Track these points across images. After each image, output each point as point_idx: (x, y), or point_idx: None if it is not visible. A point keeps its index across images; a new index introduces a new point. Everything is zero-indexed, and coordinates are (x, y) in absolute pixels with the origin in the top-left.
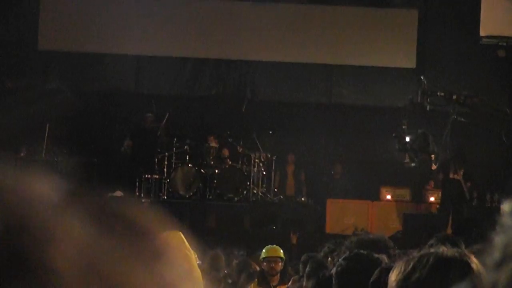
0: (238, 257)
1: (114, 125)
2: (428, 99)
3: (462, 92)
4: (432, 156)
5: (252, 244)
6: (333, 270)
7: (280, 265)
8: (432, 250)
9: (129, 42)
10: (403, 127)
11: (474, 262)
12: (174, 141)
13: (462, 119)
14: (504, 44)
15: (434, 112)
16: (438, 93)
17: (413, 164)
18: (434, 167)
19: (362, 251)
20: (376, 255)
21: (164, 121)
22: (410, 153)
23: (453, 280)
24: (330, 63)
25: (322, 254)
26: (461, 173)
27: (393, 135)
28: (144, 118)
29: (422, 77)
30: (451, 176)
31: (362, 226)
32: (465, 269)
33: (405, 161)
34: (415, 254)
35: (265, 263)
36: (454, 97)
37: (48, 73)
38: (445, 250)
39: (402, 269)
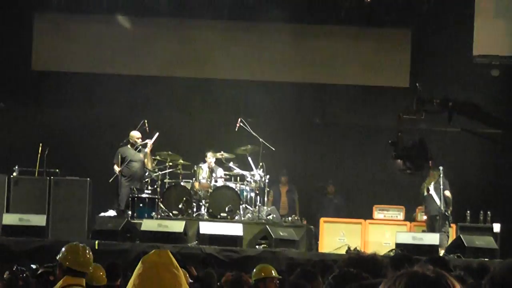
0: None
1: (107, 144)
2: (424, 106)
3: (458, 99)
4: (430, 162)
5: (244, 263)
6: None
7: (276, 285)
8: (410, 270)
9: (121, 63)
10: (399, 134)
11: (452, 281)
12: (167, 160)
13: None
14: (497, 63)
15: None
16: (434, 101)
17: (409, 171)
18: (431, 173)
19: (351, 269)
20: (365, 274)
21: (153, 140)
22: (407, 159)
23: None
24: (324, 82)
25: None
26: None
27: (389, 142)
28: (132, 138)
29: (417, 84)
30: (425, 193)
31: (355, 245)
32: None
33: (401, 168)
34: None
35: (262, 284)
36: (450, 104)
37: (41, 93)
38: (422, 270)
39: None
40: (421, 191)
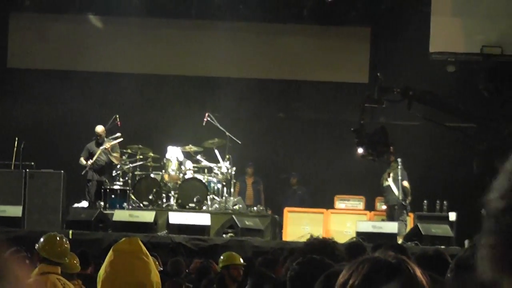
0: (199, 263)
1: (80, 139)
2: (385, 95)
3: (418, 88)
4: (391, 148)
5: (212, 251)
6: (287, 275)
7: (242, 272)
8: (371, 256)
9: (96, 60)
10: (361, 121)
11: (412, 267)
12: (138, 154)
13: (418, 114)
14: (453, 59)
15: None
16: (395, 89)
17: (370, 158)
18: (392, 158)
19: (315, 256)
20: (327, 260)
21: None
22: (368, 146)
23: (388, 286)
24: (288, 79)
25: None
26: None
27: (352, 129)
28: (96, 132)
29: (378, 74)
30: (385, 184)
31: (317, 233)
32: (401, 275)
33: (363, 154)
34: (358, 259)
35: (227, 271)
36: (410, 93)
37: (16, 90)
38: (383, 256)
39: (342, 276)
40: (381, 182)
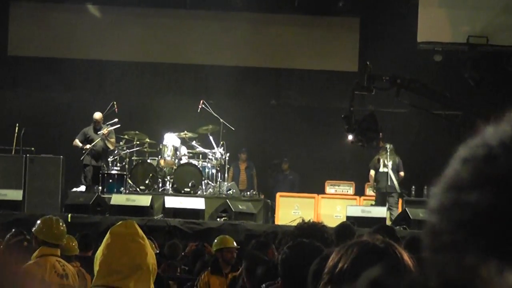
0: (194, 246)
1: (78, 125)
2: (374, 83)
3: (406, 76)
4: (380, 134)
5: (206, 234)
6: (279, 258)
7: (235, 254)
8: (360, 239)
9: (94, 48)
10: (351, 108)
11: (400, 251)
12: (135, 139)
13: (405, 101)
14: (440, 49)
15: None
16: (384, 78)
17: (360, 144)
18: (381, 144)
19: (304, 239)
20: (317, 243)
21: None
22: (358, 132)
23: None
24: (279, 67)
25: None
26: (389, 164)
27: (342, 116)
28: (93, 118)
29: (368, 63)
30: (380, 169)
31: (308, 217)
32: (390, 259)
33: (353, 141)
34: (347, 243)
35: (221, 253)
36: (398, 81)
37: (17, 77)
38: (372, 239)
39: (331, 259)
40: (371, 166)
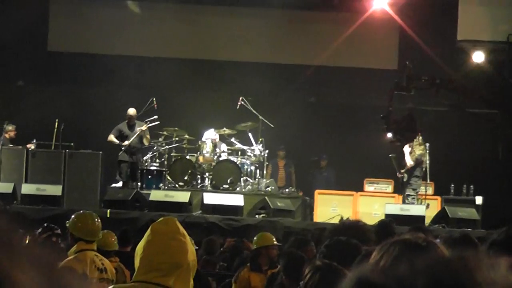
0: (232, 241)
1: (117, 120)
2: (413, 83)
3: (445, 76)
4: (419, 133)
5: (244, 231)
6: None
7: (276, 251)
8: (401, 237)
9: (133, 44)
10: (390, 108)
11: (441, 250)
12: (174, 136)
13: (444, 101)
14: (479, 47)
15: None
16: (423, 78)
17: (398, 144)
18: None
19: (341, 237)
20: (355, 241)
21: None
22: (397, 132)
23: None
24: (319, 65)
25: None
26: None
27: (381, 116)
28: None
29: (407, 63)
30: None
31: (347, 215)
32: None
33: (391, 140)
34: (389, 241)
35: (265, 250)
36: (437, 81)
37: (56, 73)
38: (413, 238)
39: (373, 256)
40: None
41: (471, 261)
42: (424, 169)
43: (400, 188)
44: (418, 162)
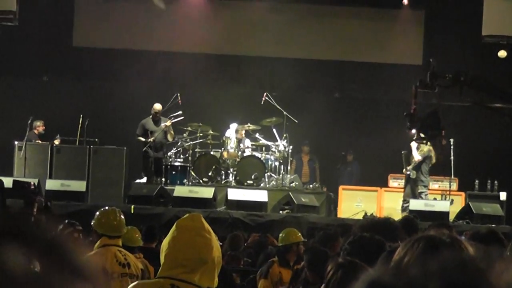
0: (257, 237)
1: (142, 116)
2: (437, 80)
3: (469, 72)
4: (443, 131)
5: (269, 226)
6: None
7: (302, 248)
8: (425, 234)
9: (158, 39)
10: (414, 106)
11: (466, 246)
12: (198, 131)
13: (468, 98)
14: (505, 43)
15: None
16: (447, 75)
17: (423, 141)
18: (444, 142)
19: (365, 234)
20: (378, 237)
21: (175, 120)
22: (421, 129)
23: None
24: (343, 60)
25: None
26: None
27: (405, 113)
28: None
29: (431, 60)
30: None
31: (371, 211)
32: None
33: (415, 138)
34: (413, 237)
35: (291, 247)
36: (462, 78)
37: (81, 68)
38: (438, 234)
39: (398, 253)
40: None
41: (485, 263)
42: (430, 165)
43: (405, 184)
44: (426, 158)
